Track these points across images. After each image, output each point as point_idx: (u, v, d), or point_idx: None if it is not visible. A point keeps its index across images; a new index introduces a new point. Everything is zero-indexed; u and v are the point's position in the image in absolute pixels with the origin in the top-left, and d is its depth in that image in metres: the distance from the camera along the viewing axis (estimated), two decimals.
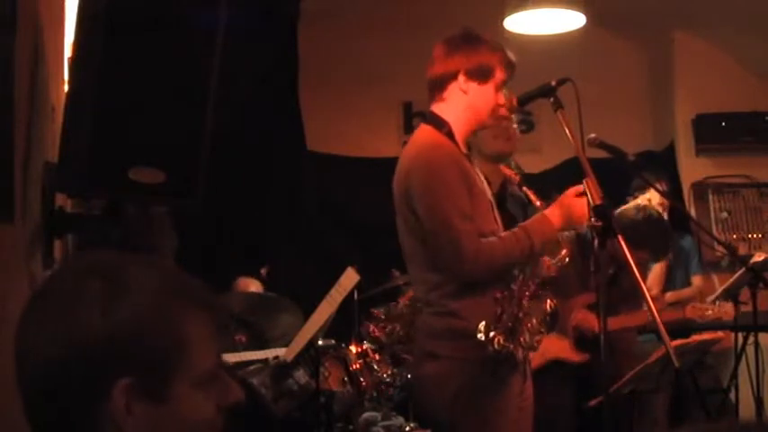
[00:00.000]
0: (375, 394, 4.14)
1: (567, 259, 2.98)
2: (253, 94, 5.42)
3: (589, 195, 2.65)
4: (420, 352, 2.92)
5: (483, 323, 2.67)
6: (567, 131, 2.78)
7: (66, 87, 2.17)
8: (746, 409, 4.86)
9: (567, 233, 4.01)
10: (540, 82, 2.92)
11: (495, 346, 2.66)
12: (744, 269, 4.21)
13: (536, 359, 3.54)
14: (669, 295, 5.37)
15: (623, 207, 4.15)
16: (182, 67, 1.98)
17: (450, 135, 2.88)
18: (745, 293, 4.49)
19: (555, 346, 3.79)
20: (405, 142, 3.01)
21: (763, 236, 6.11)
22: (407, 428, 4.19)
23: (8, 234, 1.81)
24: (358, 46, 6.20)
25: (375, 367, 4.06)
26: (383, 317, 4.05)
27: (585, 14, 4.74)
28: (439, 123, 2.90)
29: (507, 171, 3.12)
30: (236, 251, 5.56)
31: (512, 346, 2.70)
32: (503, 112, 2.98)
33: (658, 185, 4.88)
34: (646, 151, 6.35)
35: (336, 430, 4.00)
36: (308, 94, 6.09)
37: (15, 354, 1.14)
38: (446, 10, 5.82)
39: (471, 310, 2.75)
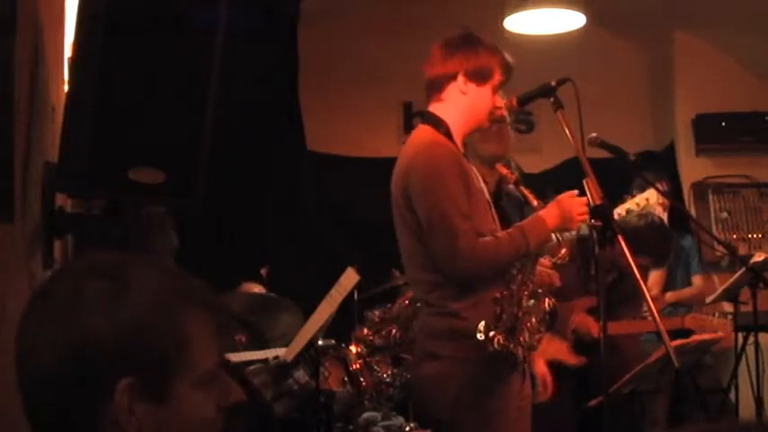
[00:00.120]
0: (375, 394, 4.14)
1: (567, 258, 2.98)
2: (253, 94, 5.42)
3: (589, 195, 2.65)
4: (420, 352, 2.92)
5: (483, 323, 2.67)
6: (567, 131, 2.78)
7: (66, 87, 2.17)
8: (746, 409, 4.86)
9: (567, 234, 4.01)
10: (540, 82, 2.92)
11: (495, 345, 2.67)
12: (744, 269, 4.21)
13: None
14: (669, 295, 5.37)
15: (624, 208, 4.15)
16: (182, 67, 1.98)
17: (448, 135, 2.89)
18: (745, 293, 4.49)
19: (553, 348, 3.79)
20: (405, 142, 3.01)
21: (763, 236, 6.11)
22: (407, 428, 4.19)
23: (8, 234, 1.81)
24: (358, 46, 6.20)
25: (375, 367, 4.06)
26: (377, 320, 4.04)
27: (585, 14, 4.74)
28: (437, 123, 2.91)
29: (503, 170, 3.12)
30: (236, 251, 5.55)
31: (512, 346, 2.70)
32: (499, 113, 2.99)
33: (659, 185, 4.88)
34: (646, 151, 6.34)
35: (336, 430, 4.00)
36: (308, 94, 6.09)
37: (15, 354, 1.13)
38: (446, 10, 5.82)
39: (471, 310, 2.76)
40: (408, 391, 4.04)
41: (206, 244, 5.28)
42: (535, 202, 2.94)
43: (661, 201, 4.94)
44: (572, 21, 4.82)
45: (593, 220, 2.65)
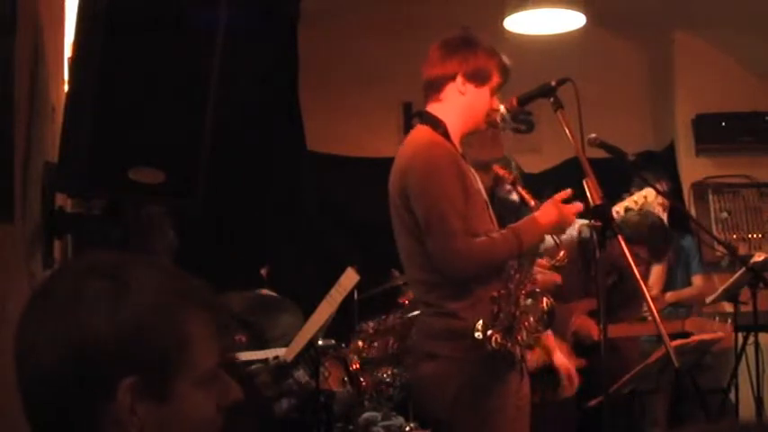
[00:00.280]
0: (375, 394, 4.14)
1: (566, 260, 2.98)
2: (253, 94, 5.42)
3: (589, 195, 2.66)
4: (419, 352, 2.93)
5: (480, 322, 2.68)
6: (567, 131, 2.78)
7: (66, 87, 2.17)
8: (746, 409, 4.86)
9: (567, 236, 4.02)
10: (540, 82, 2.93)
11: (493, 344, 2.67)
12: (744, 269, 4.21)
13: (534, 362, 3.54)
14: (669, 295, 5.37)
15: (622, 206, 4.16)
16: (182, 67, 1.98)
17: (446, 135, 2.90)
18: (745, 293, 4.49)
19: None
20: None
21: (763, 236, 6.11)
22: (407, 428, 4.19)
23: (8, 234, 1.81)
24: (358, 46, 6.20)
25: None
26: (372, 331, 4.03)
27: (585, 14, 4.74)
28: (435, 123, 2.92)
29: (501, 171, 3.13)
30: (236, 251, 5.55)
31: (509, 345, 2.71)
32: (494, 116, 3.00)
33: (658, 186, 4.88)
34: (646, 151, 6.34)
35: (336, 430, 4.00)
36: (308, 94, 6.09)
37: (15, 353, 1.14)
38: (446, 10, 5.81)
39: (470, 310, 2.77)
40: (408, 391, 4.04)
41: (206, 244, 5.28)
42: (533, 203, 2.94)
43: (660, 200, 4.96)
44: (572, 21, 4.82)
45: (593, 220, 2.66)
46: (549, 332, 3.26)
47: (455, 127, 2.94)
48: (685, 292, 5.48)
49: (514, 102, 2.99)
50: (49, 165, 2.14)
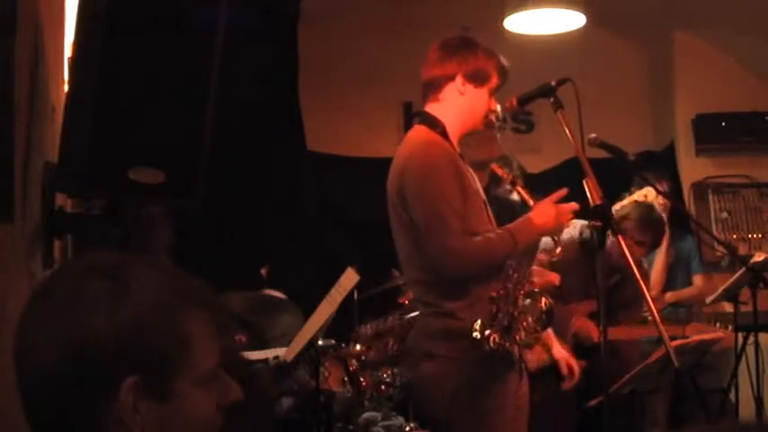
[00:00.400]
0: (375, 394, 4.14)
1: (562, 257, 2.98)
2: (253, 94, 5.42)
3: (589, 195, 2.66)
4: (418, 352, 2.93)
5: (479, 322, 2.69)
6: (567, 131, 2.78)
7: (66, 87, 2.17)
8: (746, 409, 4.86)
9: (568, 236, 4.03)
10: (540, 82, 2.93)
11: (491, 344, 2.68)
12: (744, 269, 4.22)
13: (533, 362, 3.55)
14: (669, 295, 5.37)
15: (621, 206, 4.18)
16: (182, 67, 1.98)
17: (444, 135, 2.91)
18: (745, 293, 4.49)
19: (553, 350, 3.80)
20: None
21: (763, 236, 6.11)
22: (407, 428, 4.19)
23: (8, 234, 1.81)
24: (358, 46, 6.20)
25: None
26: (371, 334, 4.03)
27: (585, 14, 4.74)
28: (433, 123, 2.92)
29: (500, 171, 3.13)
30: (236, 251, 5.55)
31: (508, 345, 2.71)
32: (491, 117, 3.01)
33: (659, 186, 4.89)
34: (646, 151, 6.35)
35: (336, 430, 4.00)
36: (308, 94, 6.09)
37: (15, 352, 1.14)
38: (446, 10, 5.82)
39: (468, 310, 2.77)
40: (408, 391, 4.05)
41: (206, 244, 5.29)
42: (531, 203, 2.95)
43: (661, 200, 4.97)
44: (572, 21, 4.82)
45: (593, 221, 2.66)
46: (549, 329, 3.26)
47: (453, 127, 2.95)
48: (685, 293, 5.48)
49: (514, 102, 3.00)
50: (49, 165, 2.14)
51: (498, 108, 3.02)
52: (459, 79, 2.92)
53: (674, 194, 5.90)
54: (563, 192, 2.91)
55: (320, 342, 3.90)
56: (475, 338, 2.68)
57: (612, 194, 4.10)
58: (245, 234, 5.73)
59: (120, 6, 1.91)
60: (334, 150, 6.20)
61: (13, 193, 1.81)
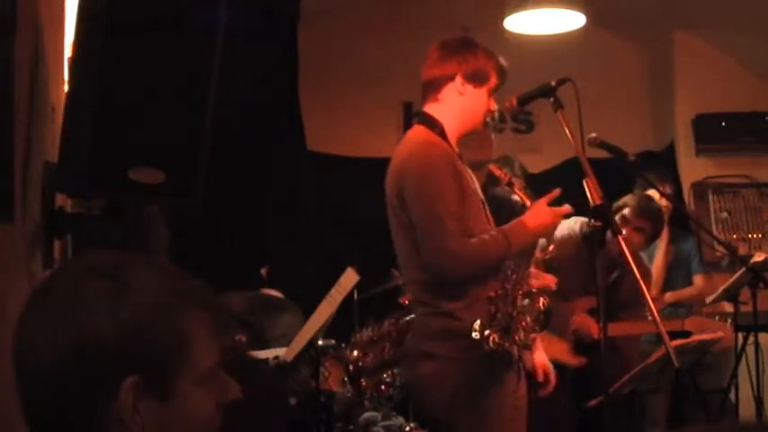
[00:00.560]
0: (375, 394, 4.14)
1: (556, 254, 2.99)
2: (253, 94, 5.42)
3: (589, 195, 2.66)
4: (416, 352, 2.93)
5: (478, 322, 2.69)
6: (567, 131, 2.78)
7: (66, 87, 2.17)
8: (746, 409, 4.86)
9: (568, 232, 4.03)
10: (540, 82, 2.93)
11: (491, 344, 2.68)
12: (744, 269, 4.22)
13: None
14: (669, 295, 5.37)
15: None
16: (182, 67, 1.98)
17: (442, 135, 2.91)
18: (745, 293, 4.49)
19: (553, 348, 3.80)
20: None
21: (763, 236, 6.11)
22: (407, 428, 4.19)
23: (8, 234, 1.81)
24: (358, 46, 6.20)
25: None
26: (367, 339, 4.02)
27: (585, 14, 4.74)
28: (431, 123, 2.93)
29: (497, 171, 3.13)
30: (236, 251, 5.56)
31: (507, 345, 2.71)
32: (488, 118, 3.02)
33: (662, 188, 4.91)
34: (646, 151, 6.35)
35: (336, 430, 4.00)
36: (308, 94, 6.09)
37: (14, 352, 1.14)
38: (446, 10, 5.82)
39: (467, 310, 2.78)
40: (408, 391, 4.05)
41: (206, 244, 5.29)
42: (528, 203, 2.95)
43: (664, 203, 4.99)
44: (572, 21, 4.82)
45: (593, 221, 2.66)
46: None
47: (452, 127, 2.95)
48: (685, 293, 5.48)
49: (514, 102, 3.00)
50: (49, 165, 2.14)
51: (496, 108, 3.02)
52: (458, 79, 2.93)
53: (675, 194, 5.89)
54: (556, 192, 2.91)
55: (320, 342, 3.90)
56: (474, 338, 2.68)
57: (612, 194, 4.11)
58: (245, 234, 5.73)
59: (120, 6, 1.91)
60: (334, 150, 6.20)
61: (13, 193, 1.81)
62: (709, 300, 4.85)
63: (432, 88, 2.97)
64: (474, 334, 2.68)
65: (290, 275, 5.41)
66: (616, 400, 3.48)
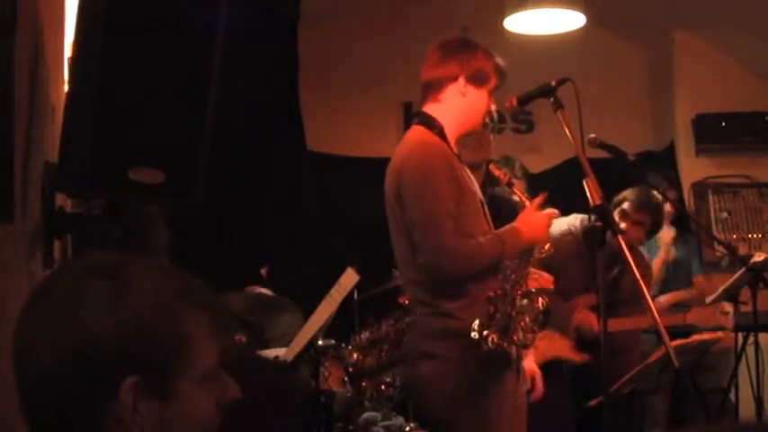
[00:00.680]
0: (375, 394, 4.14)
1: (551, 252, 2.99)
2: (253, 94, 5.42)
3: (589, 195, 2.66)
4: (416, 352, 2.93)
5: (477, 322, 2.70)
6: (567, 131, 2.78)
7: (66, 87, 2.17)
8: (746, 409, 4.86)
9: (568, 228, 4.04)
10: (540, 82, 2.93)
11: (489, 344, 2.68)
12: (744, 269, 4.22)
13: (537, 357, 3.55)
14: (668, 297, 5.36)
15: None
16: (182, 67, 1.97)
17: (441, 135, 2.92)
18: (745, 293, 4.49)
19: (556, 345, 3.80)
20: None
21: (763, 236, 6.11)
22: (407, 428, 4.19)
23: (8, 234, 1.81)
24: (358, 46, 6.20)
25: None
26: (366, 342, 4.02)
27: (585, 14, 4.74)
28: (431, 123, 2.93)
29: (497, 172, 3.13)
30: (236, 251, 5.56)
31: (505, 344, 2.72)
32: (487, 119, 3.02)
33: (669, 194, 4.94)
34: (646, 151, 6.35)
35: (336, 430, 4.00)
36: (308, 94, 6.09)
37: (14, 351, 1.13)
38: (446, 10, 5.82)
39: (465, 310, 2.78)
40: (408, 391, 4.05)
41: (206, 244, 5.29)
42: (528, 203, 2.95)
43: (668, 208, 5.00)
44: (572, 21, 4.81)
45: (593, 221, 2.66)
46: None
47: (452, 128, 2.95)
48: (683, 294, 5.47)
49: (514, 102, 3.00)
50: (49, 165, 2.14)
51: (494, 109, 3.02)
52: (461, 80, 2.93)
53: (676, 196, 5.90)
54: (543, 196, 2.92)
55: (320, 342, 3.90)
56: (473, 338, 2.69)
57: (612, 194, 4.12)
58: (245, 234, 5.73)
59: (120, 6, 1.91)
60: (334, 150, 6.20)
61: (13, 193, 1.81)
62: (709, 300, 4.85)
63: (433, 89, 2.97)
64: (473, 334, 2.69)
65: (290, 275, 5.41)
66: (616, 400, 3.48)
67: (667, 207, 5.08)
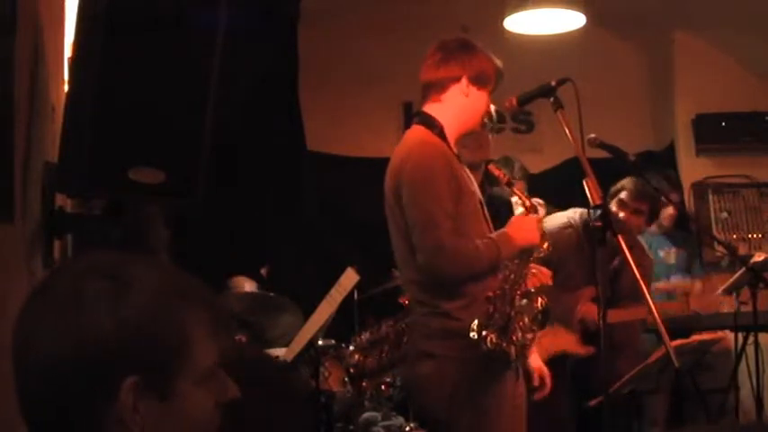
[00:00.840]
0: (375, 394, 4.14)
1: (549, 251, 2.99)
2: (253, 94, 5.42)
3: (589, 195, 2.66)
4: (415, 352, 2.93)
5: (476, 322, 2.70)
6: (567, 131, 2.79)
7: (66, 87, 2.17)
8: (746, 409, 4.86)
9: (568, 221, 4.04)
10: (540, 82, 2.93)
11: (488, 344, 2.69)
12: (744, 269, 4.22)
13: (542, 353, 3.55)
14: (662, 284, 5.33)
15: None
16: (182, 67, 1.97)
17: (441, 135, 2.92)
18: (745, 293, 4.49)
19: (561, 340, 3.82)
20: None
21: (763, 236, 6.11)
22: (407, 428, 4.19)
23: (8, 234, 1.81)
24: (358, 46, 6.20)
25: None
26: (366, 343, 4.03)
27: (585, 14, 4.74)
28: (431, 123, 2.93)
29: (496, 172, 3.14)
30: (236, 251, 5.56)
31: (504, 344, 2.72)
32: (486, 119, 3.03)
33: (672, 197, 4.94)
34: (646, 151, 6.35)
35: (336, 430, 4.00)
36: (308, 94, 6.09)
37: (13, 350, 1.13)
38: (446, 10, 5.82)
39: (465, 310, 2.78)
40: (408, 390, 4.05)
41: (206, 244, 5.29)
42: (528, 203, 2.95)
43: (670, 211, 5.01)
44: (572, 21, 4.82)
45: (593, 222, 2.66)
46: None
47: (452, 128, 2.96)
48: (680, 284, 5.44)
49: (514, 102, 3.00)
50: (49, 165, 2.14)
51: (494, 109, 3.03)
52: (464, 81, 2.94)
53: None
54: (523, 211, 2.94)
55: (320, 342, 3.90)
56: (472, 338, 2.69)
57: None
58: (245, 234, 5.73)
59: (120, 6, 1.91)
60: (334, 150, 6.20)
61: (13, 193, 1.81)
62: None
63: (434, 89, 2.97)
64: (472, 334, 2.69)
65: (290, 275, 5.41)
66: (616, 400, 3.48)
67: (670, 210, 5.09)
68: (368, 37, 6.19)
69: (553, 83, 2.89)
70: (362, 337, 3.95)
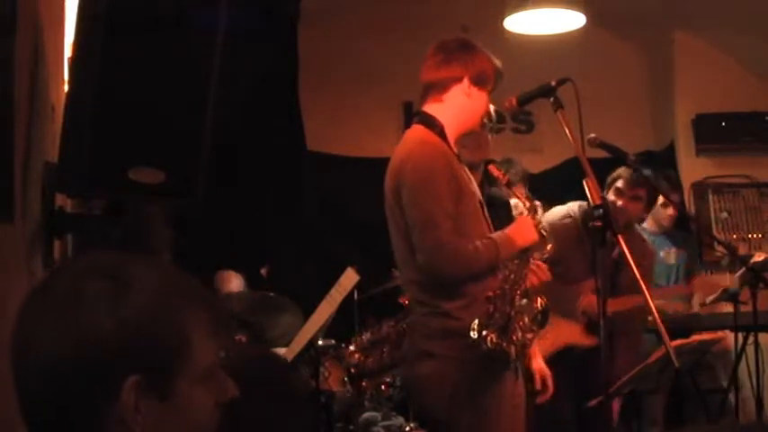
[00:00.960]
0: (375, 394, 4.14)
1: (553, 252, 2.99)
2: (253, 94, 5.42)
3: (589, 195, 2.66)
4: (416, 351, 2.93)
5: (476, 321, 2.70)
6: (567, 131, 2.79)
7: (66, 87, 2.17)
8: (746, 409, 4.86)
9: (568, 212, 4.05)
10: (540, 82, 2.93)
11: (488, 344, 2.69)
12: (744, 269, 4.22)
13: (547, 347, 3.56)
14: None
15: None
16: (182, 67, 1.97)
17: (441, 135, 2.92)
18: (745, 293, 4.49)
19: (566, 332, 3.82)
20: None
21: (763, 236, 6.11)
22: (407, 428, 4.20)
23: (8, 234, 1.81)
24: (358, 46, 6.20)
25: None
26: (367, 344, 4.03)
27: (585, 14, 4.74)
28: (431, 123, 2.94)
29: (496, 172, 3.14)
30: (236, 251, 5.56)
31: (504, 344, 2.72)
32: (485, 119, 3.03)
33: (673, 197, 4.94)
34: (646, 151, 6.35)
35: (336, 430, 4.01)
36: (308, 94, 6.09)
37: (13, 351, 1.13)
38: (446, 10, 5.82)
39: (464, 310, 2.78)
40: (408, 390, 4.05)
41: (206, 244, 5.29)
42: (528, 204, 2.95)
43: (670, 211, 5.00)
44: (572, 21, 4.82)
45: (592, 222, 2.66)
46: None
47: (452, 128, 2.96)
48: (680, 289, 5.43)
49: (514, 102, 3.00)
50: (49, 165, 2.14)
51: (494, 109, 3.03)
52: (465, 81, 2.94)
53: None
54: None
55: (320, 342, 3.90)
56: (472, 338, 2.69)
57: None
58: (245, 234, 5.73)
59: (120, 6, 1.91)
60: (334, 150, 6.21)
61: (13, 193, 1.81)
62: (709, 300, 4.86)
63: (435, 89, 2.97)
64: (472, 333, 2.69)
65: (290, 275, 5.41)
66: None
67: (670, 210, 5.08)
68: (368, 37, 6.19)
69: (553, 83, 2.89)
70: (363, 337, 3.95)
